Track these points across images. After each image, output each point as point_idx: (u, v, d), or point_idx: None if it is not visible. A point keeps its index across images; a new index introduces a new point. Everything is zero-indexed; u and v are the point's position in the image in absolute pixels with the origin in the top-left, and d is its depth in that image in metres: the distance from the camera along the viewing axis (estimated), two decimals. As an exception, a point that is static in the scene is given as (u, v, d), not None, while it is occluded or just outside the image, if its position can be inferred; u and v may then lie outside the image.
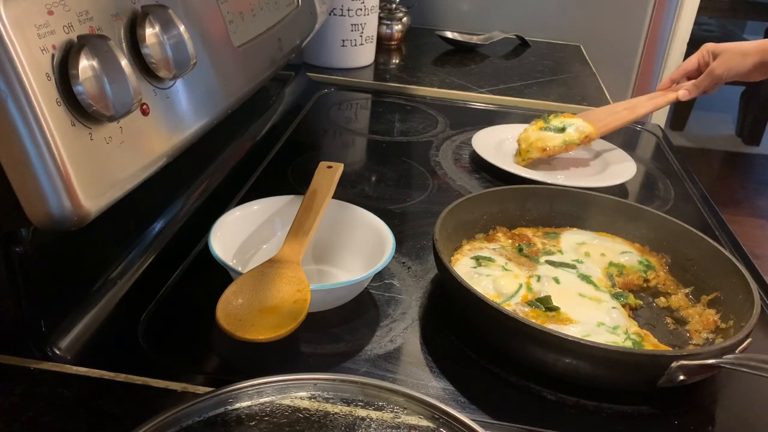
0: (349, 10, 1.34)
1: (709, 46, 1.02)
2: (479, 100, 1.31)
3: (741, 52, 0.97)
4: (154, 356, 0.59)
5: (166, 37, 0.55)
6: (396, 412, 0.48)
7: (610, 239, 0.79)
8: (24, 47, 0.43)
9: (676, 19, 1.73)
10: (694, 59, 1.04)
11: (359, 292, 0.68)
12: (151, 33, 0.54)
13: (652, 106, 1.05)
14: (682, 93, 1.03)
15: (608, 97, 1.36)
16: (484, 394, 0.58)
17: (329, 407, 0.48)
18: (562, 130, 1.00)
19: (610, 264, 0.74)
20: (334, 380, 0.49)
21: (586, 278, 0.71)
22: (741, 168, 3.58)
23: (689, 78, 1.06)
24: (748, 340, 0.58)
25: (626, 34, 1.75)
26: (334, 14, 1.33)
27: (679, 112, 3.70)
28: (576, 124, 1.00)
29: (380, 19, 1.52)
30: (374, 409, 0.48)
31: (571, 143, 0.98)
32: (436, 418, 0.47)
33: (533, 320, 0.61)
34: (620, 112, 1.05)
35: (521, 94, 1.33)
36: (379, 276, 0.71)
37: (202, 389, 0.54)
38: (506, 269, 0.71)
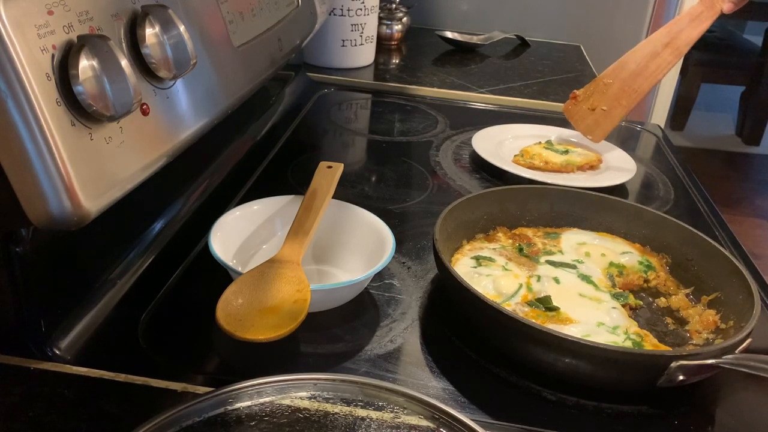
0: (349, 10, 1.34)
1: None
2: (479, 100, 1.31)
3: None
4: (154, 356, 0.59)
5: (166, 37, 0.55)
6: (396, 412, 0.48)
7: (610, 239, 0.79)
8: (24, 47, 0.43)
9: (676, 19, 1.73)
10: None
11: (359, 292, 0.68)
12: (151, 33, 0.54)
13: (698, 34, 0.88)
14: (727, 7, 0.86)
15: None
16: (484, 394, 0.58)
17: (329, 407, 0.48)
18: (566, 152, 1.03)
19: (611, 264, 0.74)
20: (334, 380, 0.49)
21: (586, 278, 0.71)
22: (741, 168, 3.58)
23: None
24: (748, 340, 0.58)
25: (626, 34, 1.75)
26: (334, 14, 1.33)
27: (679, 112, 3.71)
28: (579, 151, 1.04)
29: (380, 19, 1.52)
30: (374, 409, 0.48)
31: (571, 165, 1.00)
32: (436, 418, 0.47)
33: (533, 320, 0.61)
34: (662, 54, 0.90)
35: (521, 94, 1.33)
36: (379, 276, 0.71)
37: (202, 389, 0.54)
38: (506, 269, 0.71)
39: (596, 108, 0.94)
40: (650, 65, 0.90)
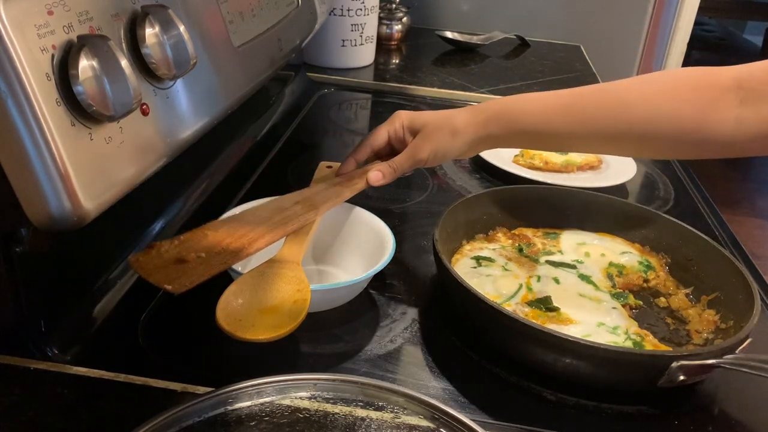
0: (349, 10, 1.34)
1: (403, 118, 0.76)
2: (479, 100, 1.31)
3: (450, 130, 0.72)
4: (154, 356, 0.59)
5: (166, 37, 0.55)
6: (396, 412, 0.48)
7: (610, 239, 0.78)
8: (24, 47, 0.43)
9: (676, 19, 1.73)
10: (384, 132, 0.76)
11: (359, 292, 0.68)
12: (151, 33, 0.54)
13: (328, 207, 0.71)
14: (374, 176, 0.73)
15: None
16: (484, 394, 0.58)
17: (329, 407, 0.48)
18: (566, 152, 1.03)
19: (610, 264, 0.74)
20: (334, 380, 0.49)
21: (586, 278, 0.71)
22: (741, 168, 3.58)
23: (379, 157, 0.78)
24: (748, 340, 0.58)
25: (626, 34, 1.75)
26: (334, 14, 1.33)
27: (679, 112, 3.71)
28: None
29: (380, 19, 1.52)
30: (374, 409, 0.48)
31: (571, 165, 1.00)
32: (436, 418, 0.47)
33: (533, 320, 0.61)
34: (292, 208, 0.70)
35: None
36: (379, 276, 0.71)
37: (202, 389, 0.54)
38: (506, 269, 0.71)
39: (187, 258, 0.60)
40: (274, 217, 0.69)
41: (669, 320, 0.69)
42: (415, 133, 0.75)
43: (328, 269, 0.73)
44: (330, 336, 0.64)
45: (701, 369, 0.56)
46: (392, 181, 0.75)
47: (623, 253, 0.76)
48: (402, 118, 0.76)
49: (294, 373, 0.50)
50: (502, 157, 1.02)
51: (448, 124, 0.72)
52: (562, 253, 0.76)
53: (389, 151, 0.78)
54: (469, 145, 0.73)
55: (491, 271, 0.70)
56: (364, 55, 1.43)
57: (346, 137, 1.17)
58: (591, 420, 0.57)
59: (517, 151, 1.04)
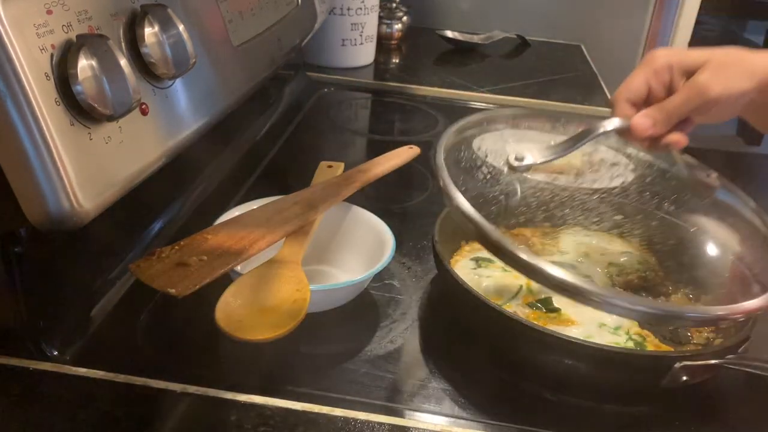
0: (349, 9, 1.34)
1: (670, 56, 0.60)
2: (479, 100, 1.31)
3: (749, 69, 0.57)
4: (154, 356, 0.59)
5: (166, 37, 0.55)
6: None
7: (609, 239, 0.78)
8: (23, 47, 0.43)
9: (677, 18, 1.73)
10: (640, 79, 0.61)
11: (359, 293, 0.68)
12: (150, 32, 0.54)
13: (327, 206, 0.72)
14: (641, 123, 0.61)
15: (608, 98, 1.35)
16: (484, 394, 0.58)
17: None
18: None
19: (610, 264, 0.74)
20: None
21: (585, 279, 0.70)
22: (741, 168, 3.58)
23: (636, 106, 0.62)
24: (749, 340, 0.58)
25: (627, 34, 1.75)
26: (334, 13, 1.33)
27: (680, 112, 3.70)
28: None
29: (380, 18, 1.52)
30: None
31: (572, 165, 1.00)
32: None
33: (534, 322, 0.61)
34: (290, 209, 0.70)
35: (521, 94, 1.33)
36: (379, 276, 0.71)
37: (202, 389, 0.54)
38: (506, 270, 0.71)
39: (189, 262, 0.61)
40: (274, 217, 0.70)
41: (669, 320, 0.69)
42: (690, 73, 0.59)
43: (328, 269, 0.73)
44: (330, 336, 0.64)
45: (704, 369, 0.56)
46: (664, 131, 0.60)
47: (622, 252, 0.76)
48: (667, 56, 0.60)
49: None
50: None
51: (745, 60, 0.57)
52: (561, 253, 0.75)
53: (646, 104, 0.62)
54: (760, 86, 0.57)
55: (491, 272, 0.70)
56: (364, 54, 1.43)
57: (346, 137, 1.17)
58: (591, 420, 0.57)
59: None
